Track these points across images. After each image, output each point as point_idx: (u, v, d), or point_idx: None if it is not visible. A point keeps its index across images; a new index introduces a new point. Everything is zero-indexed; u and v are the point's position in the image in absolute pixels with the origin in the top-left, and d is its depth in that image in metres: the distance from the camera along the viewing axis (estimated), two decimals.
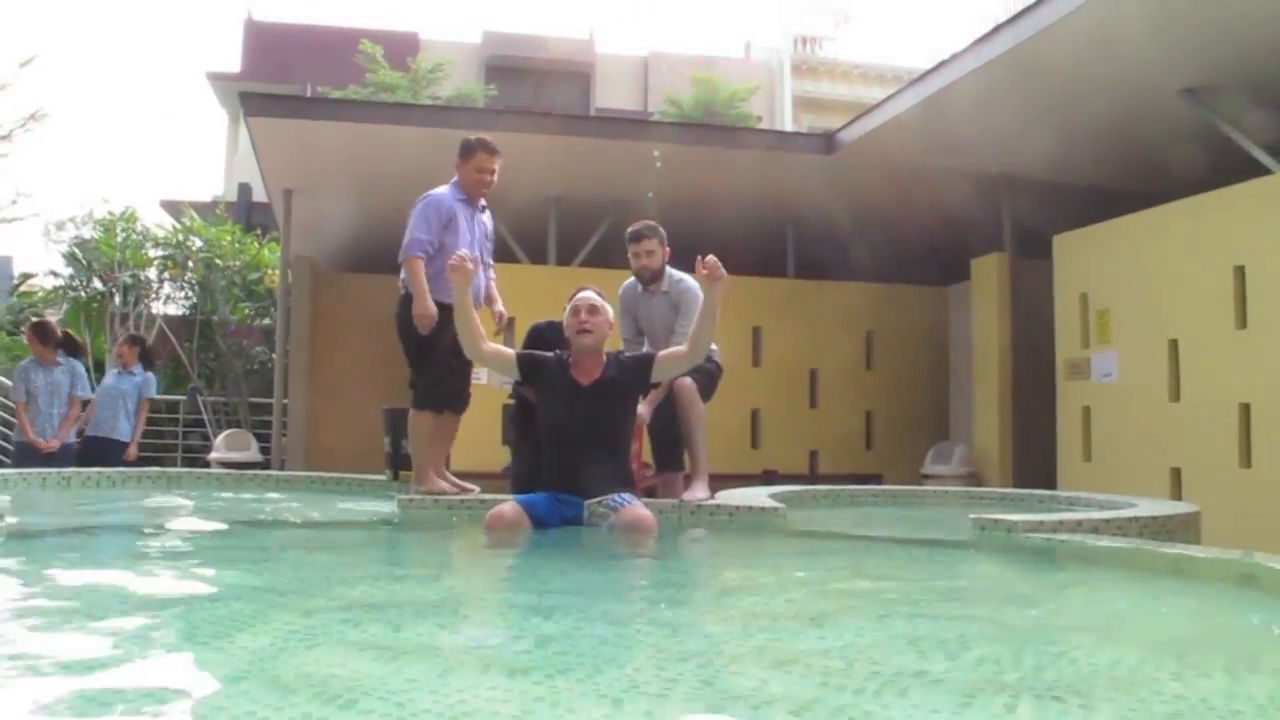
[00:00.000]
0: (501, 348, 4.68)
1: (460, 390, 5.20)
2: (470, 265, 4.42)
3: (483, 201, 5.39)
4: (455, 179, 5.29)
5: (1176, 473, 7.31)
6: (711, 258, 4.21)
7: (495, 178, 5.29)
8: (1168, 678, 1.92)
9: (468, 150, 5.26)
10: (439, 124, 9.96)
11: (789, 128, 24.75)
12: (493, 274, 5.47)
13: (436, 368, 5.02)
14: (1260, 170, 7.17)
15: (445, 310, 4.79)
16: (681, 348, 4.59)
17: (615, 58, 28.18)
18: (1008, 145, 9.09)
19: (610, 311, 4.59)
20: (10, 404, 8.03)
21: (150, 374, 8.51)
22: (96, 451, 7.79)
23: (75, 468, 6.86)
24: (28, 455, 7.60)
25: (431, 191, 5.24)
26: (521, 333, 5.84)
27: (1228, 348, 6.97)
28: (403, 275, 5.09)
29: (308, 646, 2.03)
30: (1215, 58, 7.09)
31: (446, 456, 5.48)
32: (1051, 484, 8.12)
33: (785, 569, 3.57)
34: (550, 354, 4.57)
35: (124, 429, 8.08)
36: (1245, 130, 7.41)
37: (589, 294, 4.58)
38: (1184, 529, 4.26)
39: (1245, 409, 6.81)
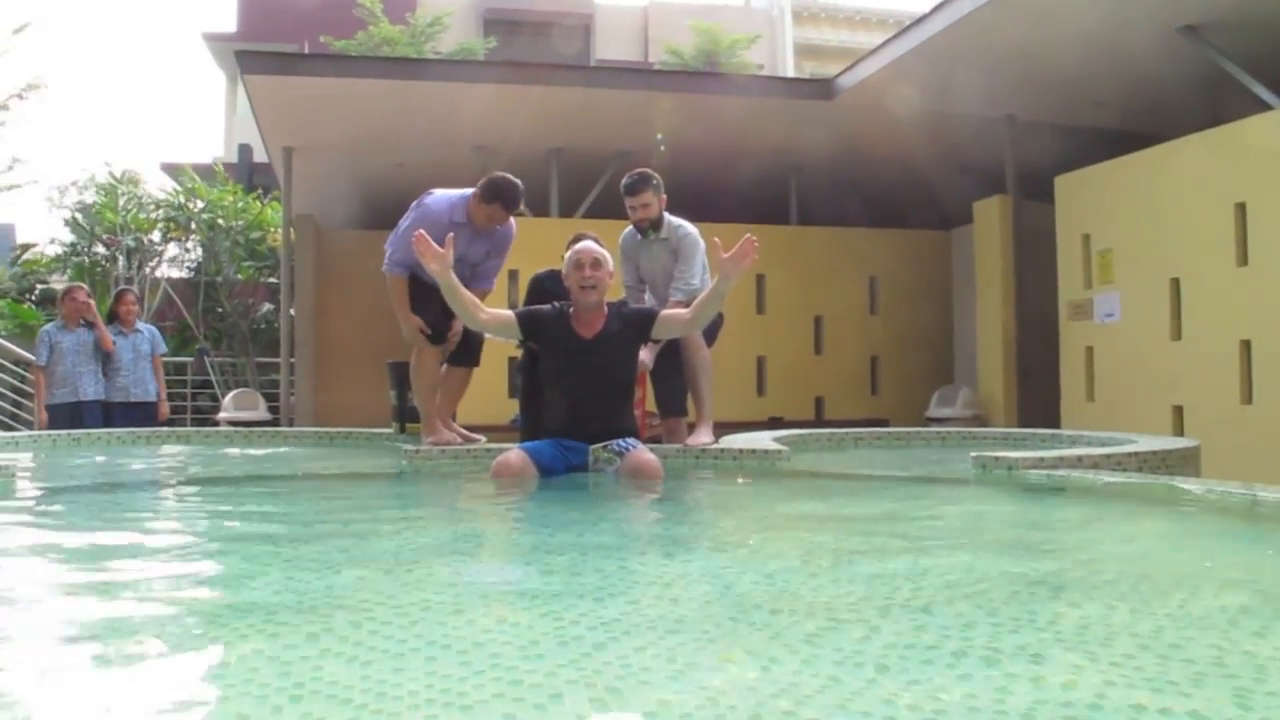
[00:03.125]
0: (500, 311, 4.61)
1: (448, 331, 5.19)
2: (440, 253, 4.20)
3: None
4: (466, 196, 5.00)
5: (1179, 410, 7.35)
6: (751, 239, 4.10)
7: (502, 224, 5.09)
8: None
9: (488, 196, 4.94)
10: (439, 78, 9.93)
11: (791, 75, 24.56)
12: (488, 285, 5.24)
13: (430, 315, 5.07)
14: (1261, 106, 7.14)
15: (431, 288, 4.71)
16: (683, 312, 4.56)
17: (615, 8, 27.92)
18: (1009, 87, 9.03)
19: (610, 262, 4.50)
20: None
21: (154, 328, 8.53)
22: (128, 417, 7.70)
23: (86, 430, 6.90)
24: None
25: (432, 200, 4.99)
26: (524, 284, 5.88)
27: (1229, 285, 6.97)
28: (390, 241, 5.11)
29: (322, 584, 2.09)
30: None
31: (453, 410, 5.53)
32: (1055, 425, 8.17)
33: (787, 505, 3.63)
34: (549, 307, 4.53)
35: (153, 390, 8.10)
36: (1245, 66, 7.37)
37: (589, 245, 4.52)
38: (1184, 464, 4.31)
39: (1246, 346, 6.83)
